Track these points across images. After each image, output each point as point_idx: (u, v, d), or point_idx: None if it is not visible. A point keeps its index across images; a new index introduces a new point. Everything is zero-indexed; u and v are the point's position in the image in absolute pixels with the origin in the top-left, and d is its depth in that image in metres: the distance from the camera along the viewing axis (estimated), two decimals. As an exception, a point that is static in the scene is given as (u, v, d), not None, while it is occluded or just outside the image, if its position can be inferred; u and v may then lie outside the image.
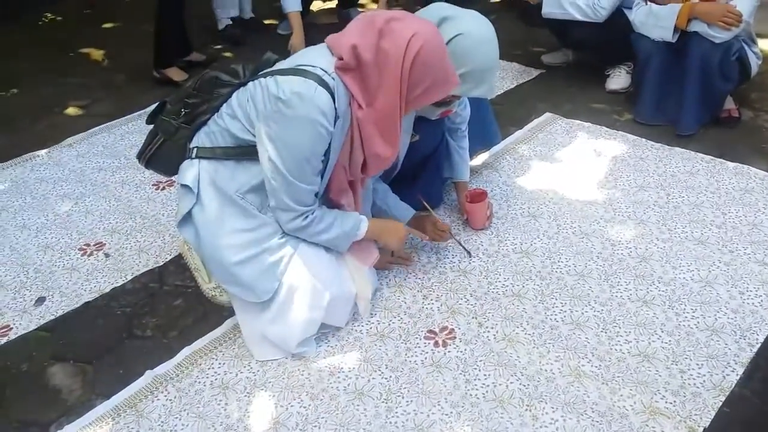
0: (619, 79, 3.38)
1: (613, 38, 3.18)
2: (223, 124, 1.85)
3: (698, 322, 1.97)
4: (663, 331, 1.95)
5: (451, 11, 2.00)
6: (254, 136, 1.78)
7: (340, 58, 1.73)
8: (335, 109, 1.72)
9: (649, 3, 2.93)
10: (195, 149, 1.90)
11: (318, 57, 1.77)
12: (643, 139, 2.93)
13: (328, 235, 1.90)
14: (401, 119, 1.79)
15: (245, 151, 1.82)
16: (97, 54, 4.31)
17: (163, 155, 2.02)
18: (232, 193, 1.84)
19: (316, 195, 1.87)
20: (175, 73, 3.73)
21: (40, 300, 2.22)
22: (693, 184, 2.60)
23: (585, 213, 2.48)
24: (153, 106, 2.04)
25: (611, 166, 2.76)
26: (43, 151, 3.12)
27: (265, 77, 1.77)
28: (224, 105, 1.88)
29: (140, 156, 2.08)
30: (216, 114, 1.89)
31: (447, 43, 1.92)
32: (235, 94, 1.86)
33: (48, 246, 2.48)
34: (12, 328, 2.11)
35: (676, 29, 2.82)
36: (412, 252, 2.33)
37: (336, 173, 1.90)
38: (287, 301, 1.87)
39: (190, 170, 1.89)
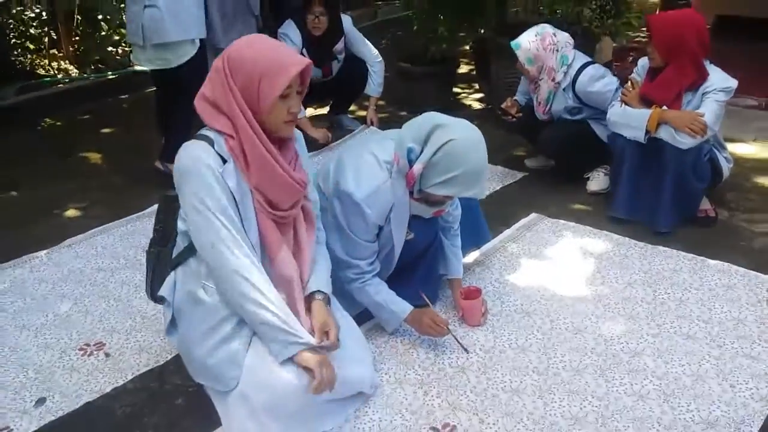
0: (598, 181, 3.56)
1: (578, 146, 3.46)
2: (179, 229, 1.99)
3: (693, 416, 2.02)
4: (660, 425, 1.99)
5: (444, 120, 2.16)
6: None
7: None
8: (218, 153, 1.82)
9: (623, 105, 3.14)
10: (170, 264, 2.03)
11: None
12: (627, 238, 3.06)
13: (266, 315, 1.84)
14: (257, 131, 1.82)
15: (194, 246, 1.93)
16: (95, 158, 4.44)
17: (159, 284, 2.10)
18: (197, 287, 1.94)
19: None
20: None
21: (41, 401, 2.21)
22: (677, 281, 2.71)
23: (576, 309, 2.57)
24: (155, 206, 2.18)
25: (598, 264, 2.87)
26: (42, 252, 3.17)
27: None
28: None
29: (147, 293, 2.18)
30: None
31: (440, 148, 2.07)
32: None
33: (48, 346, 2.50)
34: (12, 430, 2.09)
35: (647, 132, 3.01)
36: (412, 348, 2.38)
37: (262, 223, 1.91)
38: (253, 388, 1.90)
39: (168, 282, 2.03)
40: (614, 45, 5.14)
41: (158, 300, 2.10)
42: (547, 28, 3.43)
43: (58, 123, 5.14)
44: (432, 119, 2.18)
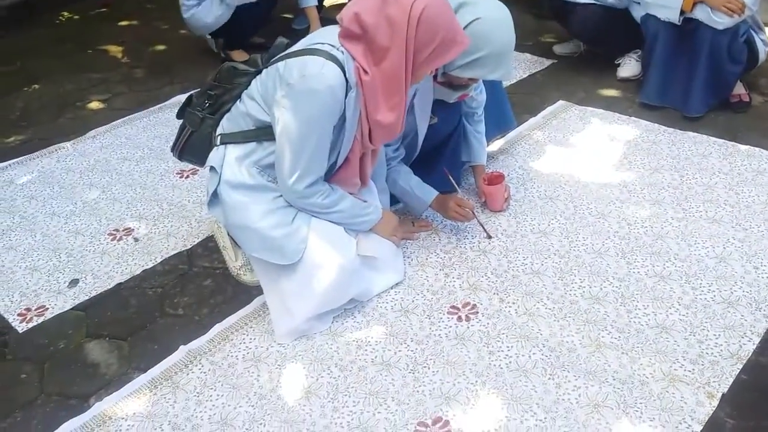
0: (629, 67, 3.43)
1: (614, 28, 3.29)
2: (244, 108, 1.94)
3: (714, 296, 2.03)
4: (680, 305, 2.01)
5: None
6: (269, 114, 1.86)
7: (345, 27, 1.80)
8: (346, 80, 1.77)
9: None
10: (219, 136, 2.00)
11: (328, 33, 1.85)
12: (656, 124, 2.98)
13: (346, 214, 1.99)
14: (407, 85, 1.82)
15: (264, 132, 1.90)
16: (115, 50, 4.38)
17: (192, 146, 2.12)
18: (252, 168, 1.93)
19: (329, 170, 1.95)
20: (238, 55, 3.84)
21: (74, 282, 2.29)
22: (706, 166, 2.65)
23: (601, 195, 2.54)
24: (177, 98, 2.15)
25: (625, 150, 2.82)
26: (68, 143, 3.19)
27: (278, 61, 1.84)
28: (245, 91, 1.96)
29: (173, 148, 2.20)
30: (238, 101, 1.98)
31: (465, 28, 1.99)
32: (253, 81, 1.95)
33: (78, 232, 2.56)
34: (48, 308, 2.18)
35: (682, 12, 2.87)
36: (433, 234, 2.39)
37: (352, 148, 1.94)
38: (313, 266, 1.93)
39: (216, 154, 1.99)
40: None
41: (183, 159, 2.18)
42: None
43: (76, 17, 5.05)
44: None
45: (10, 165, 3.03)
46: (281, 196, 1.95)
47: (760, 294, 2.02)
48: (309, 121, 1.78)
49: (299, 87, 1.76)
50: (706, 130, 2.89)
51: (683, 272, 2.13)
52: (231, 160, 1.95)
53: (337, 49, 1.79)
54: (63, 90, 3.83)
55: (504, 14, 2.07)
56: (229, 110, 2.01)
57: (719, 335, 1.89)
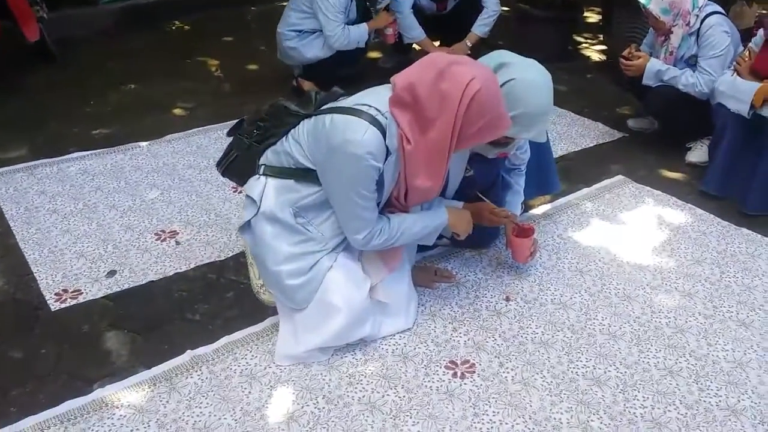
0: (699, 152, 3.35)
1: (689, 110, 3.21)
2: (289, 148, 2.06)
3: (719, 401, 1.96)
4: (681, 404, 1.95)
5: (510, 59, 2.13)
6: (311, 162, 1.98)
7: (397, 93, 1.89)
8: (386, 146, 1.88)
9: (735, 74, 2.92)
10: (263, 166, 2.12)
11: (378, 96, 1.94)
12: (711, 215, 2.90)
13: (411, 233, 2.08)
14: (449, 154, 1.91)
15: (303, 174, 2.02)
16: (211, 63, 4.67)
17: (236, 167, 2.27)
18: (287, 207, 2.03)
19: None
20: (308, 85, 3.99)
21: (111, 273, 2.46)
22: (751, 267, 2.56)
23: (632, 277, 2.50)
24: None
25: (671, 236, 2.75)
26: (144, 143, 3.43)
27: (326, 113, 1.96)
28: (292, 131, 2.08)
29: (218, 165, 2.35)
30: (284, 137, 2.10)
31: (501, 86, 2.03)
32: (302, 123, 2.06)
33: (129, 227, 2.75)
34: (82, 293, 2.36)
35: (752, 107, 2.80)
36: (454, 286, 2.42)
37: (389, 204, 2.07)
38: (326, 306, 2.03)
39: (257, 185, 2.10)
40: (761, 11, 4.68)
41: (226, 176, 2.34)
42: None
43: (186, 27, 5.42)
44: (499, 57, 2.15)
45: (87, 155, 3.29)
46: (307, 241, 2.04)
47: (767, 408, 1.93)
48: (350, 182, 1.90)
49: (341, 150, 1.87)
50: (761, 230, 2.79)
51: (694, 371, 2.06)
52: (270, 192, 2.07)
53: (382, 114, 1.89)
54: (154, 93, 4.11)
55: (540, 78, 2.11)
56: (274, 144, 2.13)
57: (715, 443, 1.83)
